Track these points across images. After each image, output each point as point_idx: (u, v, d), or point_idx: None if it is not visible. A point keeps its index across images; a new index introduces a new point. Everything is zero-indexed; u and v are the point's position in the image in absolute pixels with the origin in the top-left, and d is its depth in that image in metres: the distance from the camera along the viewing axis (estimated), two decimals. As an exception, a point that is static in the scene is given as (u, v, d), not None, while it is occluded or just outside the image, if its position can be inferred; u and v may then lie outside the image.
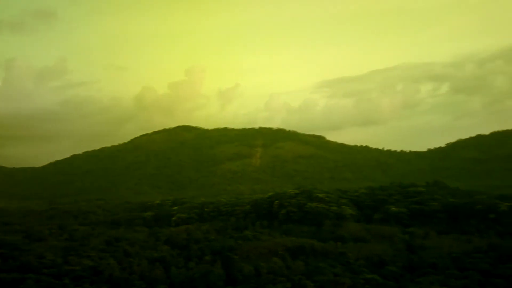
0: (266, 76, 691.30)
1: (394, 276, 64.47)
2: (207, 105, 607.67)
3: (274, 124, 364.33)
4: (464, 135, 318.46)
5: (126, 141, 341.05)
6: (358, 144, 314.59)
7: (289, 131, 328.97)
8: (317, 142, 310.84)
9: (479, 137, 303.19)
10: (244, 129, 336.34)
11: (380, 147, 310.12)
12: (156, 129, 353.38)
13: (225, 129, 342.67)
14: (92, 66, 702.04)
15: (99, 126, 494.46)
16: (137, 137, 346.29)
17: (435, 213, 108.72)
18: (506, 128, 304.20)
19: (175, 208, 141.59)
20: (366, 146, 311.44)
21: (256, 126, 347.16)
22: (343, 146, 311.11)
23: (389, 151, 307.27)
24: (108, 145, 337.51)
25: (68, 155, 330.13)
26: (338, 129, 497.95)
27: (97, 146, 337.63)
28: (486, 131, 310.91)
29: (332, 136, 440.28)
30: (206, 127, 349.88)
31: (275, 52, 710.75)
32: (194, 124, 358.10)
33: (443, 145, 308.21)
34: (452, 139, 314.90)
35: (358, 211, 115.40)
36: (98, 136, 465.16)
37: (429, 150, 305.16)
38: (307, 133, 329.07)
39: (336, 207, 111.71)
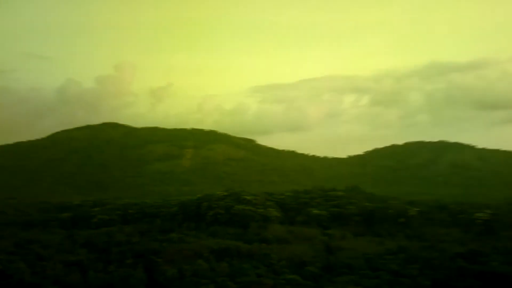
0: (200, 77, 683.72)
1: (314, 276, 66.97)
2: (136, 103, 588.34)
3: (206, 126, 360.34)
4: (381, 145, 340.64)
5: (44, 136, 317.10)
6: (286, 149, 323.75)
7: (220, 133, 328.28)
8: (248, 145, 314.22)
9: (394, 147, 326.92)
10: (175, 129, 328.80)
11: (306, 153, 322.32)
12: (79, 125, 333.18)
13: (155, 128, 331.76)
14: (9, 54, 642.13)
15: (14, 119, 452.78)
16: (56, 132, 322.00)
17: (352, 216, 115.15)
18: (417, 139, 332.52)
19: (96, 209, 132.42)
20: (293, 151, 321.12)
21: (188, 127, 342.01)
22: (272, 150, 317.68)
23: (313, 156, 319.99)
24: (24, 139, 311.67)
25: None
26: (268, 134, 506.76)
27: (11, 140, 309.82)
28: (400, 142, 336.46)
29: (262, 140, 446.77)
30: (134, 126, 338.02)
31: (209, 54, 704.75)
32: (121, 122, 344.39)
33: (361, 152, 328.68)
34: (370, 147, 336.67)
35: (283, 213, 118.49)
36: (13, 130, 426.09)
37: (349, 157, 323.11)
38: (239, 136, 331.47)
39: (263, 209, 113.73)
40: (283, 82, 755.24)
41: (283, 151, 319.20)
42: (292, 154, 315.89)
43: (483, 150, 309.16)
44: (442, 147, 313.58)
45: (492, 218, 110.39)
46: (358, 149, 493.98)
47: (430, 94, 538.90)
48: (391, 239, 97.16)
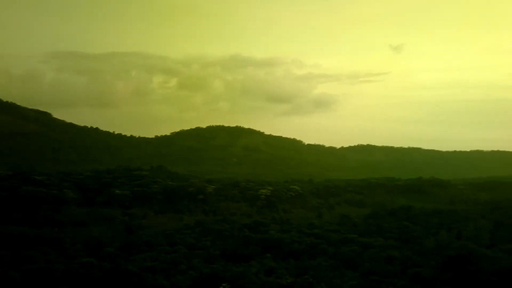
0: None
1: (110, 257, 63.74)
2: None
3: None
4: (186, 127, 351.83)
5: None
6: (88, 125, 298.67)
7: (6, 102, 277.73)
8: (41, 119, 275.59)
9: (198, 129, 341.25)
10: None
11: (111, 131, 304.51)
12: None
13: None
14: None
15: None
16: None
17: (155, 195, 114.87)
18: (218, 124, 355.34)
19: None
20: (97, 128, 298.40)
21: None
22: (71, 126, 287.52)
23: (119, 135, 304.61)
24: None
25: None
26: (67, 107, 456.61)
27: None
28: (204, 125, 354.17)
29: (60, 114, 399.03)
30: None
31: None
32: None
33: (168, 133, 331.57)
34: (176, 129, 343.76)
35: (81, 194, 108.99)
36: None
37: (156, 137, 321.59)
38: (29, 107, 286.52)
39: (57, 191, 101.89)
40: (87, 52, 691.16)
41: (84, 127, 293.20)
42: (94, 131, 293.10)
43: (270, 136, 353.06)
44: (238, 131, 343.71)
45: (272, 194, 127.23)
46: (165, 130, 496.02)
47: (230, 84, 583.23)
48: (190, 215, 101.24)
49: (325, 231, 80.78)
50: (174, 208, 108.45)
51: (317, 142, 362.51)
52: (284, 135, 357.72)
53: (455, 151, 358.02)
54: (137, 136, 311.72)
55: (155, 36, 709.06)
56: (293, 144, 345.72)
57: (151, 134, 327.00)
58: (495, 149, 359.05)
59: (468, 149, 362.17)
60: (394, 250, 63.29)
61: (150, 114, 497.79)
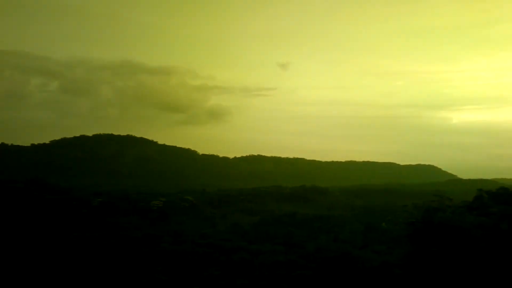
0: None
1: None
2: None
3: None
4: (69, 134, 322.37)
5: None
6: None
7: None
8: None
9: (83, 138, 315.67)
10: None
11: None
12: None
13: None
14: None
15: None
16: None
17: (33, 209, 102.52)
18: (107, 132, 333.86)
19: None
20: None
21: None
22: None
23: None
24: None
25: None
26: None
27: None
28: (90, 133, 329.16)
29: None
30: None
31: None
32: None
33: (47, 141, 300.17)
34: (56, 136, 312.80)
35: None
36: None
37: (33, 146, 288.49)
38: None
39: None
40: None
41: None
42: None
43: (163, 146, 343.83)
44: (129, 141, 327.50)
45: (165, 205, 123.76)
46: (43, 138, 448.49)
47: (121, 90, 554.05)
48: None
49: (218, 240, 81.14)
50: (56, 224, 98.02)
51: (211, 152, 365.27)
52: (178, 145, 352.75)
53: (333, 161, 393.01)
54: (9, 144, 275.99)
55: (34, 34, 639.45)
56: (188, 154, 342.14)
57: (26, 142, 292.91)
58: (367, 160, 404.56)
59: (343, 160, 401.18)
60: (281, 255, 66.39)
61: (26, 119, 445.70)
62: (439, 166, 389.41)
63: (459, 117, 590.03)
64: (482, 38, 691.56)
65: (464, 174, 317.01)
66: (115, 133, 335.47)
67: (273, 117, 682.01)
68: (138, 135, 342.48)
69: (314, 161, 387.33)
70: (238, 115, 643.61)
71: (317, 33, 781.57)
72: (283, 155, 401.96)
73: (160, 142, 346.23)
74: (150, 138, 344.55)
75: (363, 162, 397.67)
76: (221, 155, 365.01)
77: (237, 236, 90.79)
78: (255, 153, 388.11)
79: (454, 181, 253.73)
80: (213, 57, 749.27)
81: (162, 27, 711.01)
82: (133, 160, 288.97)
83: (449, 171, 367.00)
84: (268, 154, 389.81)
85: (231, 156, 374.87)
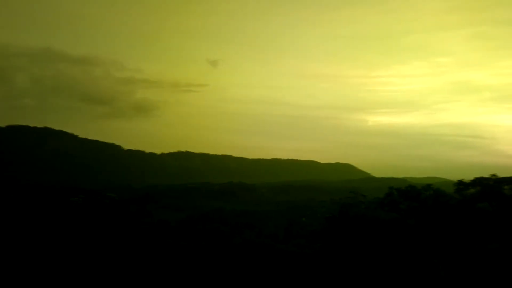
0: None
1: None
2: None
3: None
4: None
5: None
6: None
7: None
8: None
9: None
10: None
11: None
12: None
13: None
14: None
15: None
16: None
17: None
18: (21, 123, 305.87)
19: None
20: None
21: None
22: None
23: None
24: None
25: None
26: None
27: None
28: (2, 124, 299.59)
29: None
30: None
31: None
32: None
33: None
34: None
35: None
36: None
37: None
38: None
39: None
40: None
41: None
42: None
43: (85, 139, 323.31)
44: (46, 133, 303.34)
45: (84, 203, 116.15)
46: None
47: (38, 79, 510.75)
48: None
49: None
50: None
51: (137, 148, 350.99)
52: (101, 139, 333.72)
53: (259, 159, 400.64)
54: None
55: None
56: (111, 149, 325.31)
57: None
58: (291, 157, 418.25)
59: (269, 157, 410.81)
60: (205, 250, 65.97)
61: None
62: (355, 165, 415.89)
63: (374, 119, 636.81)
64: (397, 47, 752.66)
65: (377, 172, 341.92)
66: (31, 124, 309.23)
67: (202, 113, 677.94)
68: (56, 127, 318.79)
69: (241, 158, 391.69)
70: (166, 110, 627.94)
71: (249, 32, 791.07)
72: (211, 151, 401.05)
73: (81, 135, 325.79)
74: (69, 131, 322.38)
75: (287, 159, 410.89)
76: (147, 150, 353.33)
77: (163, 234, 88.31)
78: (183, 150, 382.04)
79: (368, 179, 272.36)
80: (142, 50, 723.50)
81: (87, 14, 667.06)
82: (51, 155, 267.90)
83: (364, 170, 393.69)
84: (197, 151, 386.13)
85: (158, 152, 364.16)
